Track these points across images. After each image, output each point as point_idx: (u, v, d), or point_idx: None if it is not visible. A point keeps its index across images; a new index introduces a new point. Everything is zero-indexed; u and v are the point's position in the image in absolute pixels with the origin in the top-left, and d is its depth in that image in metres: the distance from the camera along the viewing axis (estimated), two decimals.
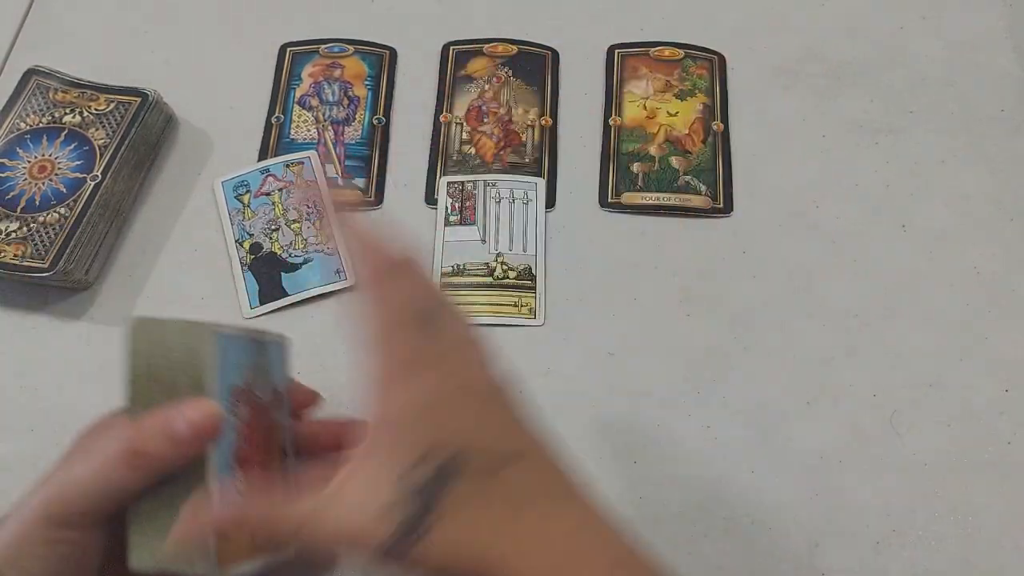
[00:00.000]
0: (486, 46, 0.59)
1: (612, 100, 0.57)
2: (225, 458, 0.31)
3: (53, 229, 0.49)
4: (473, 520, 0.26)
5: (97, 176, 0.50)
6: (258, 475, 0.33)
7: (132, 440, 0.29)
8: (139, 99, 0.53)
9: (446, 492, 0.26)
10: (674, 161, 0.54)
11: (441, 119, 0.56)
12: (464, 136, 0.55)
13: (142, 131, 0.53)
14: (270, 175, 0.53)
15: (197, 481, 0.30)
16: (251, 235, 0.52)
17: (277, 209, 0.52)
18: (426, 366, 0.27)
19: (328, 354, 0.48)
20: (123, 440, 0.29)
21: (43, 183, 0.50)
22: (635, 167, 0.54)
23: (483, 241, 0.52)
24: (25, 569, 0.29)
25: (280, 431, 0.36)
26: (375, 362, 0.27)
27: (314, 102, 0.57)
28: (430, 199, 0.53)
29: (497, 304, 0.50)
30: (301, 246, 0.51)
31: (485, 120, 0.56)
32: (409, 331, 0.27)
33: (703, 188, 0.53)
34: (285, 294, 0.50)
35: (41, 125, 0.53)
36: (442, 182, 0.54)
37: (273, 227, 0.52)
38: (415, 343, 0.27)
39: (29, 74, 0.55)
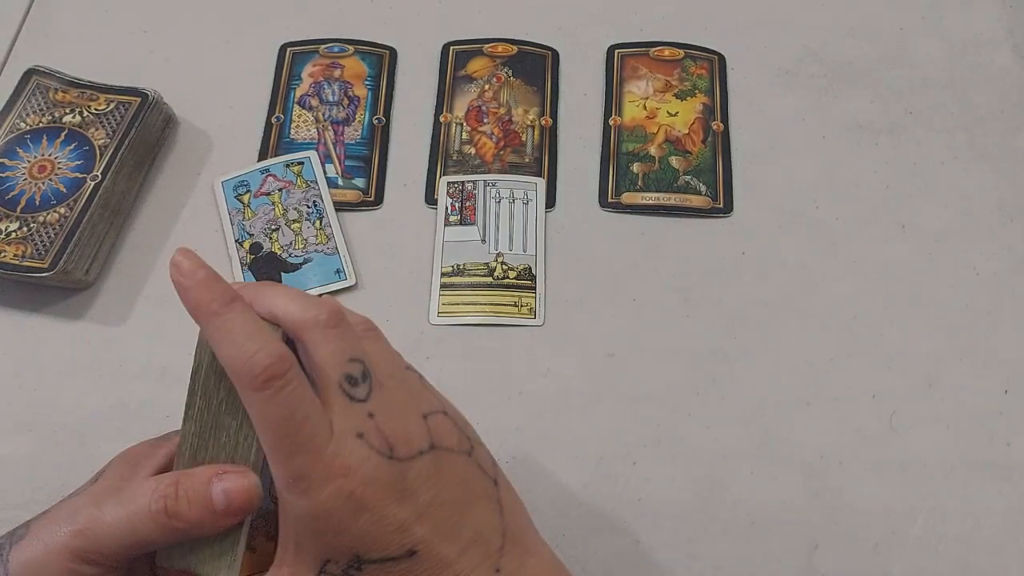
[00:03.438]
0: (486, 46, 0.59)
1: (612, 100, 0.57)
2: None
3: (53, 229, 0.49)
4: None
5: (97, 176, 0.50)
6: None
7: (167, 499, 0.29)
8: (139, 99, 0.53)
9: None
10: (674, 161, 0.54)
11: (441, 119, 0.56)
12: (464, 136, 0.55)
13: (142, 131, 0.53)
14: (270, 175, 0.53)
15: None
16: (251, 235, 0.52)
17: (277, 209, 0.52)
18: (319, 480, 0.27)
19: None
20: (159, 496, 0.29)
21: (43, 183, 0.50)
22: (635, 167, 0.54)
23: (483, 241, 0.52)
24: None
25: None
26: (273, 468, 0.28)
27: (314, 102, 0.57)
28: (430, 199, 0.53)
29: (497, 304, 0.50)
30: (301, 246, 0.51)
31: (485, 120, 0.56)
32: (300, 440, 0.27)
33: (703, 188, 0.53)
34: None
35: (41, 125, 0.53)
36: (442, 182, 0.54)
37: (273, 227, 0.52)
38: (306, 456, 0.27)
39: (29, 74, 0.55)
